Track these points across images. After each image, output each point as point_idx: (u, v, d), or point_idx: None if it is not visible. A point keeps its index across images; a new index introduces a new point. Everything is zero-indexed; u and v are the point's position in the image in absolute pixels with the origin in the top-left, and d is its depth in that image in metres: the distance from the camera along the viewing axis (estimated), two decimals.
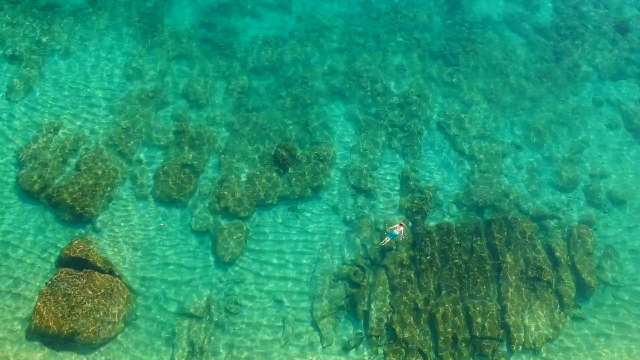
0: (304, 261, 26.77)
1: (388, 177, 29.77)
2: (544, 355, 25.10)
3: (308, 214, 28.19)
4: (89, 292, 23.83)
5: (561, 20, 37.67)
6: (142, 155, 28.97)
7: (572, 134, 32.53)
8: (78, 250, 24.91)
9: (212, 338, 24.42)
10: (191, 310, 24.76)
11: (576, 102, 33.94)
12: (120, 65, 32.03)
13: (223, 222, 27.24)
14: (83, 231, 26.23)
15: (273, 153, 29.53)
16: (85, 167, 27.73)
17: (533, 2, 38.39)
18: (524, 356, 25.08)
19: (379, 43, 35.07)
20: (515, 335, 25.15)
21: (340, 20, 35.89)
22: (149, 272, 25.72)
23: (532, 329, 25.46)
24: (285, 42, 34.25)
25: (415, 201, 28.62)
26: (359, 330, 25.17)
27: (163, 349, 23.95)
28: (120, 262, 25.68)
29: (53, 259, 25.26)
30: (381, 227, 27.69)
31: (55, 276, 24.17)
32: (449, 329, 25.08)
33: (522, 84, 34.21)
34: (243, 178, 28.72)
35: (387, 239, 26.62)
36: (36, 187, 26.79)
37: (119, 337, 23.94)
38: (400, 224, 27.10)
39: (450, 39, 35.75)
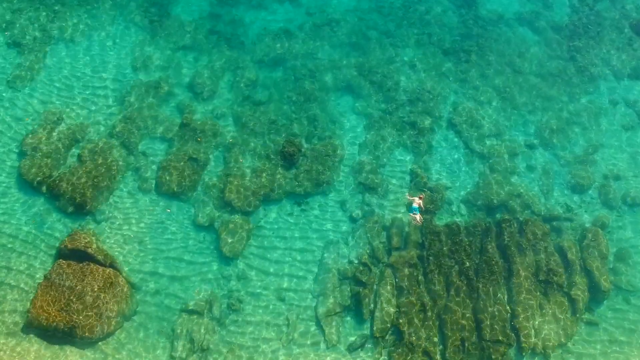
0: (309, 258, 26.28)
1: (397, 174, 29.15)
2: None
3: (314, 210, 27.65)
4: (88, 285, 23.37)
5: (576, 18, 36.93)
6: (145, 147, 28.53)
7: (586, 133, 31.80)
8: (78, 242, 24.49)
9: (213, 335, 23.97)
10: (192, 306, 24.35)
11: (591, 101, 33.17)
12: (126, 56, 31.62)
13: (227, 217, 26.75)
14: (84, 223, 25.83)
15: (280, 147, 28.98)
16: (87, 158, 27.34)
17: None
18: None
19: (390, 38, 34.41)
20: (525, 339, 24.56)
21: (351, 14, 35.25)
22: (150, 266, 25.28)
23: (543, 333, 24.83)
24: (294, 35, 33.67)
25: (425, 199, 27.98)
26: (364, 331, 24.66)
27: (163, 345, 23.55)
28: (120, 255, 25.24)
29: (52, 251, 24.87)
30: (388, 224, 27.20)
31: (54, 268, 23.76)
32: (457, 332, 24.51)
33: (536, 82, 33.46)
34: (248, 172, 28.18)
35: (416, 215, 26.72)
36: (37, 177, 26.42)
37: (118, 332, 23.56)
38: (409, 196, 27.20)
39: (463, 35, 35.03)
